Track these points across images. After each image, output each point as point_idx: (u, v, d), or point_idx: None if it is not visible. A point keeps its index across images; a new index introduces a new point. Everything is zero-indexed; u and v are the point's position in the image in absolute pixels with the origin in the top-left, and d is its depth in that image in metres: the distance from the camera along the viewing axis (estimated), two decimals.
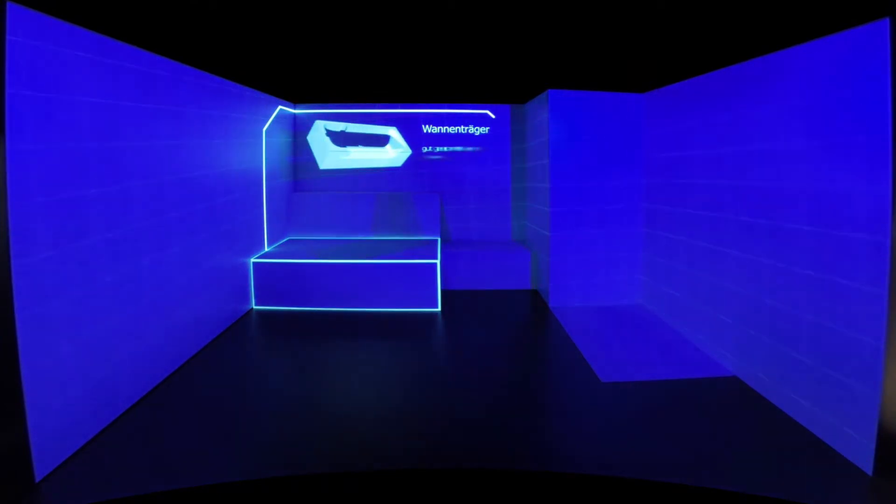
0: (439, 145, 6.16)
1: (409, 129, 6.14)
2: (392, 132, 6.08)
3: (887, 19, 2.15)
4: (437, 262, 4.70)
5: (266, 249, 5.07)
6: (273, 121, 5.29)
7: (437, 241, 5.68)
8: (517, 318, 4.56)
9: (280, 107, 5.55)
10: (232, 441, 2.50)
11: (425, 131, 6.14)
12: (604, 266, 4.82)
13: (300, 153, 6.15)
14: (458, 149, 6.16)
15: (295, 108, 6.10)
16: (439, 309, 4.71)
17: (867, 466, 2.21)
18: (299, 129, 6.14)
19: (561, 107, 4.72)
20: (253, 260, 4.69)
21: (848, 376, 2.33)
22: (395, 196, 6.00)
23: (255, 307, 4.72)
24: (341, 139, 6.07)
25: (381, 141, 6.08)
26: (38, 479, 2.13)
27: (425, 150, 6.16)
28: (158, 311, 3.10)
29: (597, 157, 4.75)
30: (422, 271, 4.68)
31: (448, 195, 6.18)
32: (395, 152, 6.12)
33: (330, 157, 6.10)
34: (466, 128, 6.14)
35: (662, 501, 2.14)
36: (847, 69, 2.37)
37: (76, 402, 2.38)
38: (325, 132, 5.99)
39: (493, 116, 6.14)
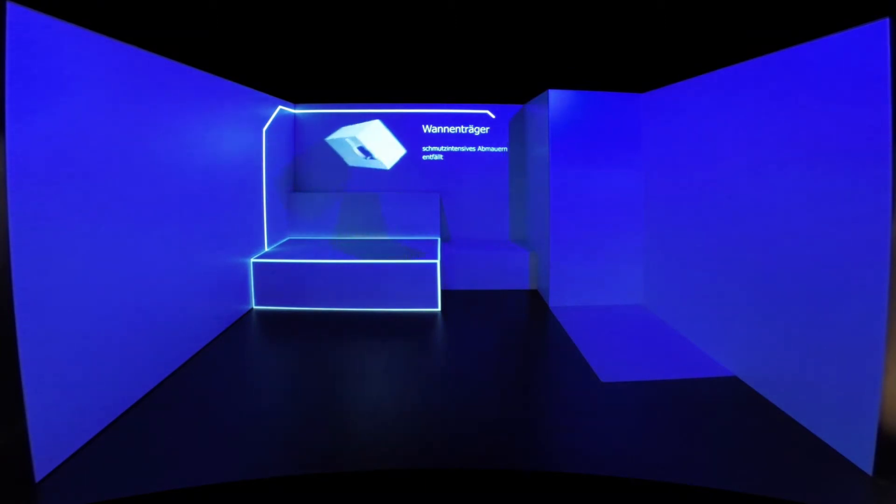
0: (439, 145, 6.17)
1: (410, 128, 6.15)
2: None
3: (887, 19, 2.15)
4: (437, 262, 4.70)
5: (266, 249, 5.07)
6: (273, 121, 5.30)
7: (437, 240, 5.68)
8: (517, 318, 4.56)
9: (280, 107, 5.55)
10: (232, 441, 2.50)
11: (425, 131, 6.15)
12: (604, 266, 4.82)
13: (300, 153, 6.15)
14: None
15: (295, 108, 6.10)
16: (439, 309, 4.71)
17: (867, 466, 2.21)
18: (299, 129, 6.14)
19: (561, 107, 4.72)
20: (253, 260, 4.69)
21: (848, 376, 2.33)
22: (395, 196, 6.00)
23: (255, 307, 4.72)
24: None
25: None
26: (38, 479, 2.13)
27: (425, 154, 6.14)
28: (158, 310, 3.10)
29: (597, 157, 4.76)
30: (422, 271, 4.68)
31: (448, 195, 6.19)
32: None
33: (354, 157, 6.07)
34: (466, 128, 6.14)
35: (662, 501, 2.14)
36: (847, 69, 2.37)
37: (76, 402, 2.38)
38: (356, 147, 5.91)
39: (493, 116, 6.14)
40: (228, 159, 4.16)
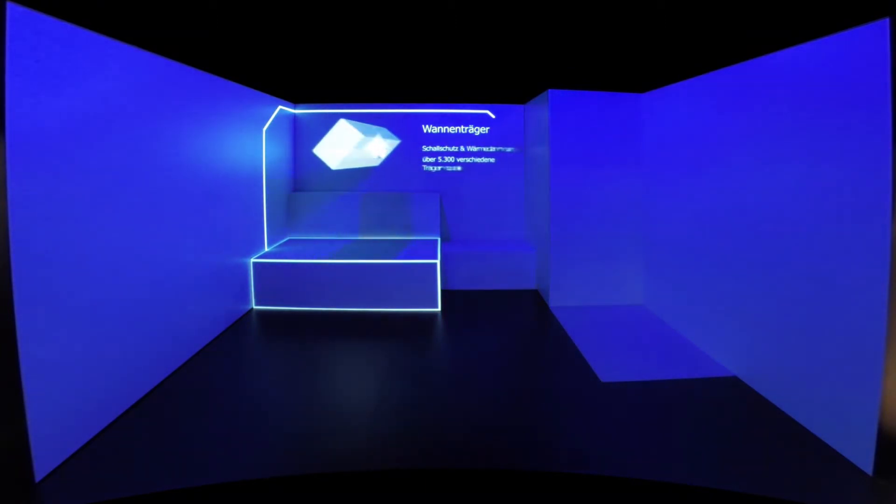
0: (440, 145, 6.16)
1: (410, 128, 6.15)
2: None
3: (887, 19, 2.15)
4: (438, 262, 4.70)
5: (266, 249, 5.07)
6: (273, 121, 5.30)
7: (437, 240, 5.68)
8: (517, 318, 4.56)
9: (280, 107, 5.55)
10: (232, 441, 2.50)
11: (425, 131, 6.15)
12: (604, 266, 4.82)
13: (300, 153, 6.15)
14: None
15: (295, 108, 6.10)
16: (439, 309, 4.71)
17: (867, 466, 2.21)
18: (299, 129, 6.14)
19: (561, 107, 4.72)
20: (253, 260, 4.69)
21: (848, 376, 2.33)
22: (396, 196, 6.00)
23: (255, 307, 4.72)
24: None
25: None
26: (38, 479, 2.13)
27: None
28: (158, 310, 3.10)
29: (597, 157, 4.76)
30: (422, 271, 4.68)
31: (448, 194, 6.18)
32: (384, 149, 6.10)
33: (341, 158, 6.03)
34: (466, 128, 6.14)
35: (662, 501, 2.14)
36: (847, 69, 2.37)
37: (76, 402, 2.38)
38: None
39: (493, 116, 6.14)
40: (228, 159, 4.16)
